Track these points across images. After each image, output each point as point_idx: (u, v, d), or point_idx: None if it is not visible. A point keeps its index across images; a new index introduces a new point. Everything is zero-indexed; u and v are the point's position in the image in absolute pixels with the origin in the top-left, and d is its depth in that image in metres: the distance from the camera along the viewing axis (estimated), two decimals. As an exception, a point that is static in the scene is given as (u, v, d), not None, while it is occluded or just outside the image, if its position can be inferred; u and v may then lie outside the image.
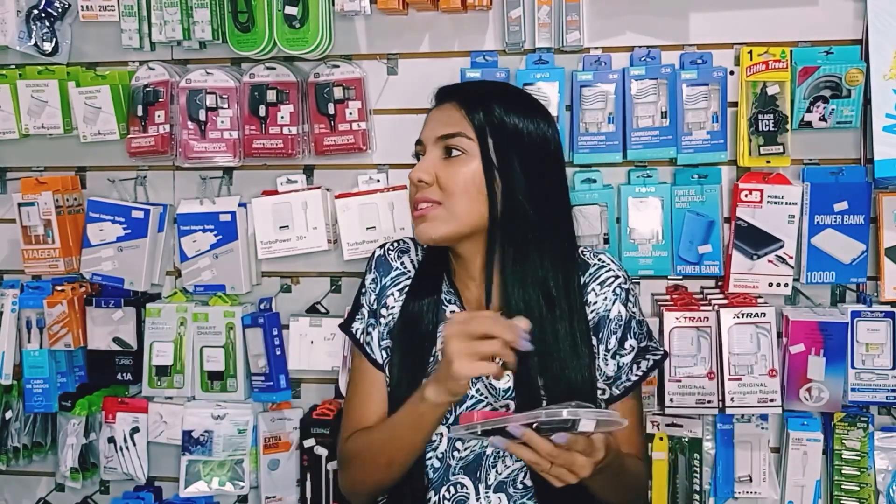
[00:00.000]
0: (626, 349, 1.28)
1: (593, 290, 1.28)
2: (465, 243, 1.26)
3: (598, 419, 1.02)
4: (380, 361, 1.32)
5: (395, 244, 1.38)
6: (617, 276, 1.29)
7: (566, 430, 1.01)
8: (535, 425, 1.01)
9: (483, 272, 1.25)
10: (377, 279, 1.35)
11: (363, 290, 1.37)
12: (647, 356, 1.31)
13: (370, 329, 1.34)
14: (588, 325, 1.25)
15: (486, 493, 1.25)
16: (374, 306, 1.34)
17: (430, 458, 1.26)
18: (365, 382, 1.33)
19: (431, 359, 1.26)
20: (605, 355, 1.27)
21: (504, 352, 1.06)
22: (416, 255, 1.36)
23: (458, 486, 1.26)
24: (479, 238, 1.25)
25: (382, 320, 1.33)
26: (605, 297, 1.27)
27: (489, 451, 1.25)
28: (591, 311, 1.26)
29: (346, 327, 1.38)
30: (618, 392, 1.29)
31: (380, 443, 1.24)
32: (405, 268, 1.35)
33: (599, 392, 1.26)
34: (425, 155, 1.26)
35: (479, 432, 1.05)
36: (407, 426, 1.20)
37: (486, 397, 1.26)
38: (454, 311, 1.29)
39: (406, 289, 1.32)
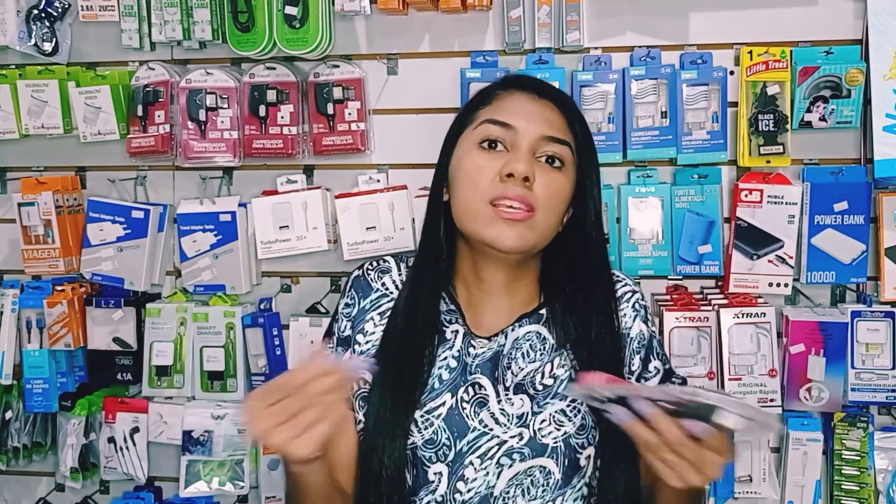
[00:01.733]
0: (650, 371, 1.20)
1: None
2: (514, 258, 1.14)
3: (744, 415, 0.85)
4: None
5: (375, 264, 1.24)
6: (634, 292, 1.22)
7: (700, 419, 0.87)
8: (664, 405, 0.88)
9: (503, 288, 1.16)
10: (354, 303, 1.21)
11: (336, 317, 1.23)
12: (673, 379, 1.22)
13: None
14: (620, 343, 1.17)
15: None
16: (347, 332, 1.20)
17: (429, 502, 1.11)
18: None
19: (430, 382, 1.12)
20: (630, 378, 1.17)
21: (327, 408, 0.88)
22: (399, 274, 1.22)
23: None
24: (530, 255, 1.15)
25: (358, 347, 1.17)
26: (626, 314, 1.19)
27: (497, 492, 1.10)
28: None
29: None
30: None
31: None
32: (386, 289, 1.20)
33: None
34: (521, 148, 1.09)
35: (605, 398, 0.92)
36: (294, 489, 1.06)
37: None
38: (456, 331, 1.16)
39: (388, 312, 1.18)
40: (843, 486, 1.64)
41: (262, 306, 1.81)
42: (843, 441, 1.64)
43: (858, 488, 1.63)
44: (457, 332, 1.16)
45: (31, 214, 1.80)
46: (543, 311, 1.19)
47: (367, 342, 1.18)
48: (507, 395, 1.13)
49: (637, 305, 1.21)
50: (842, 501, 1.64)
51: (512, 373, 1.14)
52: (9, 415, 1.87)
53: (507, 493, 1.09)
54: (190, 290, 1.80)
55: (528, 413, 1.12)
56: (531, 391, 1.13)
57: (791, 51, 1.60)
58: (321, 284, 1.80)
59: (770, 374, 1.60)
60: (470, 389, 1.13)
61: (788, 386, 1.60)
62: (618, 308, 1.18)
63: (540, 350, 1.16)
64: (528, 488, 1.09)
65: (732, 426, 0.85)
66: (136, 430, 1.82)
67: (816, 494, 1.63)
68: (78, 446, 1.82)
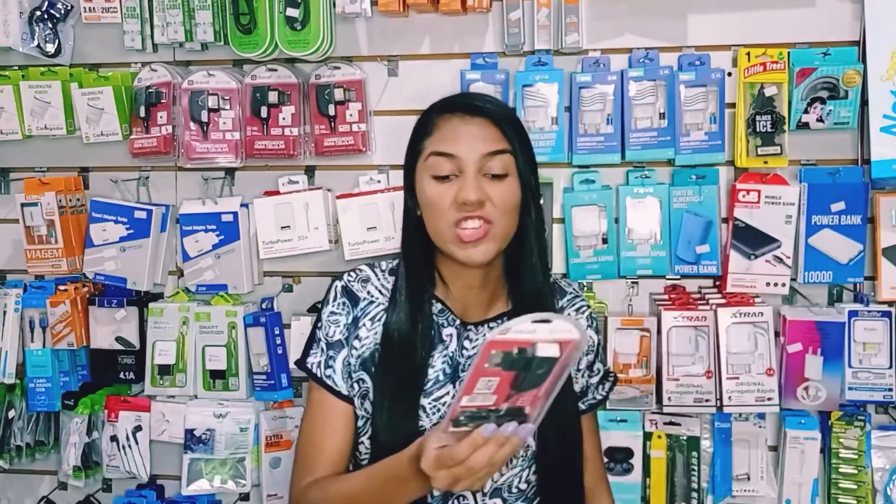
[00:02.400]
0: (595, 371, 1.37)
1: (569, 314, 1.34)
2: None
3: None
4: (345, 393, 1.26)
5: (354, 274, 1.32)
6: (588, 306, 1.38)
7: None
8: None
9: (482, 279, 1.27)
10: (343, 312, 1.29)
11: (319, 324, 1.30)
12: (609, 378, 1.40)
13: (330, 362, 1.27)
14: None
15: (483, 499, 1.25)
16: (336, 337, 1.28)
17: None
18: (328, 417, 1.26)
19: (434, 376, 1.24)
20: (576, 375, 1.34)
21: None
22: (379, 280, 1.31)
23: (461, 498, 1.25)
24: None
25: (355, 352, 1.27)
26: (582, 323, 1.34)
27: None
28: None
29: (301, 363, 1.30)
30: (584, 407, 1.35)
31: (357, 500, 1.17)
32: (372, 296, 1.29)
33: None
34: (468, 173, 1.20)
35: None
36: (390, 494, 1.12)
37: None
38: (451, 334, 1.27)
39: (378, 317, 1.27)
40: (840, 485, 1.65)
41: (263, 306, 1.82)
42: (841, 440, 1.64)
43: (856, 487, 1.64)
44: (451, 335, 1.27)
45: (35, 215, 1.81)
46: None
47: (362, 346, 1.27)
48: None
49: (590, 318, 1.38)
50: (839, 500, 1.65)
51: None
52: (12, 414, 1.88)
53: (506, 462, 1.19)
54: (192, 289, 1.81)
55: None
56: None
57: (788, 52, 1.61)
58: (322, 284, 1.81)
59: (768, 374, 1.61)
60: None
61: (786, 385, 1.61)
62: (554, 303, 1.33)
63: None
64: (512, 458, 1.22)
65: (555, 353, 0.89)
66: (138, 428, 1.83)
67: (814, 493, 1.64)
68: (80, 445, 1.83)
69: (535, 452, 1.25)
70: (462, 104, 1.26)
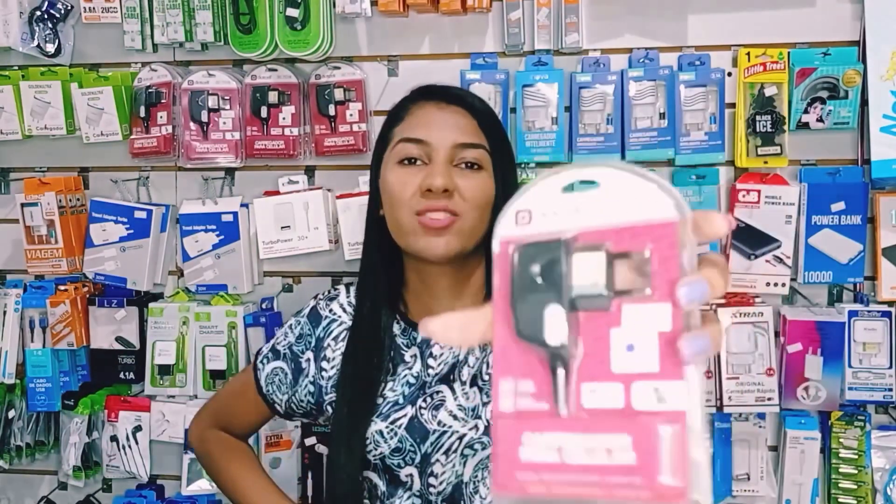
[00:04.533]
0: None
1: None
2: (456, 261, 1.18)
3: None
4: (264, 390, 1.29)
5: (326, 293, 1.32)
6: None
7: None
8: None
9: (451, 290, 1.20)
10: (303, 332, 1.29)
11: (280, 329, 1.35)
12: None
13: (265, 360, 1.30)
14: None
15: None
16: (278, 347, 1.30)
17: (409, 498, 1.18)
18: (247, 398, 1.32)
19: (394, 398, 1.19)
20: None
21: None
22: (347, 297, 1.28)
23: None
24: (468, 256, 1.19)
25: (325, 373, 1.25)
26: None
27: (466, 478, 1.17)
28: None
29: (258, 352, 1.34)
30: None
31: (222, 482, 1.34)
32: (334, 314, 1.27)
33: None
34: (437, 161, 1.14)
35: None
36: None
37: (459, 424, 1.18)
38: (414, 355, 1.21)
39: (342, 336, 1.25)
40: (840, 485, 1.65)
41: (263, 306, 1.82)
42: (841, 440, 1.65)
43: (856, 487, 1.64)
44: (415, 355, 1.21)
45: (35, 215, 1.81)
46: None
47: (331, 367, 1.25)
48: (463, 389, 1.19)
49: None
50: (839, 500, 1.65)
51: (468, 366, 1.20)
52: (11, 414, 1.88)
53: (476, 476, 1.17)
54: (192, 289, 1.81)
55: (479, 405, 1.18)
56: (480, 383, 1.19)
57: (788, 52, 1.61)
58: (322, 284, 1.82)
59: (768, 374, 1.61)
60: (428, 399, 1.19)
61: (786, 385, 1.61)
62: None
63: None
64: None
65: None
66: (138, 428, 1.83)
67: (814, 493, 1.64)
68: (80, 445, 1.83)
69: None
70: (438, 91, 1.22)
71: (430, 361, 1.21)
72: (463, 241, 1.14)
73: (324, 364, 1.25)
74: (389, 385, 1.20)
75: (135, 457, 1.83)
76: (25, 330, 1.85)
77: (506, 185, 1.18)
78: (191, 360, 1.80)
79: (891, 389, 1.61)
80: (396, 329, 1.23)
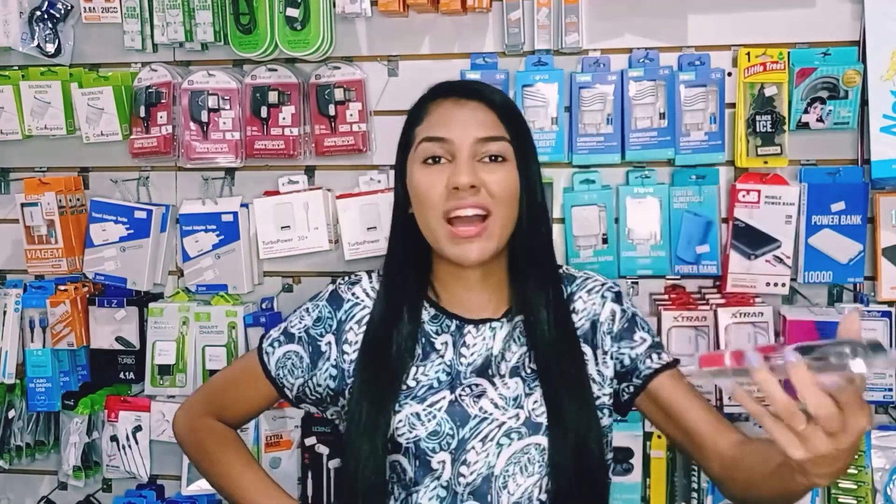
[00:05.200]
0: (636, 341, 1.22)
1: (580, 297, 1.24)
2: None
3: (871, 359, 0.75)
4: (273, 374, 1.25)
5: (346, 278, 1.30)
6: (605, 283, 1.26)
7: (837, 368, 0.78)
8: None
9: (483, 281, 1.21)
10: (324, 316, 1.26)
11: (290, 317, 1.30)
12: (662, 353, 1.23)
13: (276, 344, 1.26)
14: (575, 331, 1.22)
15: None
16: (292, 330, 1.26)
17: (435, 489, 1.15)
18: (249, 384, 1.29)
19: (429, 382, 1.18)
20: (604, 357, 1.21)
21: None
22: (371, 283, 1.27)
23: None
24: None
25: (346, 357, 1.23)
26: (594, 302, 1.24)
27: (497, 471, 1.14)
28: (580, 319, 1.23)
29: (263, 337, 1.31)
30: (639, 381, 1.21)
31: (214, 474, 1.31)
32: (357, 298, 1.26)
33: (601, 396, 1.22)
34: (460, 158, 1.14)
35: (730, 373, 0.86)
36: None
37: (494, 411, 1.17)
38: (445, 342, 1.20)
39: (365, 319, 1.24)
40: (840, 485, 1.65)
41: (263, 306, 1.82)
42: (841, 440, 1.64)
43: (856, 487, 1.64)
44: (446, 342, 1.21)
45: (35, 215, 1.81)
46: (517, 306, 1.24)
47: (353, 350, 1.23)
48: (503, 381, 1.18)
49: (607, 292, 1.25)
50: (839, 500, 1.65)
51: (506, 361, 1.20)
52: (11, 413, 1.88)
53: (507, 471, 1.14)
54: (192, 289, 1.81)
55: (521, 395, 1.17)
56: (523, 374, 1.19)
57: (788, 52, 1.61)
58: (322, 284, 1.79)
59: (768, 374, 1.61)
60: (467, 388, 1.18)
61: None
62: (561, 294, 1.23)
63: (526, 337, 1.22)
64: (526, 465, 1.14)
65: (864, 370, 0.76)
66: (138, 428, 1.83)
67: (814, 492, 1.64)
68: (80, 445, 1.83)
69: (551, 460, 1.15)
70: (455, 88, 1.22)
71: (464, 350, 1.20)
72: (496, 242, 1.15)
73: (346, 347, 1.23)
74: (420, 370, 1.19)
75: (135, 457, 1.83)
76: (25, 330, 1.85)
77: (529, 175, 1.18)
78: (191, 360, 1.80)
79: (891, 389, 1.61)
80: (425, 316, 1.22)
